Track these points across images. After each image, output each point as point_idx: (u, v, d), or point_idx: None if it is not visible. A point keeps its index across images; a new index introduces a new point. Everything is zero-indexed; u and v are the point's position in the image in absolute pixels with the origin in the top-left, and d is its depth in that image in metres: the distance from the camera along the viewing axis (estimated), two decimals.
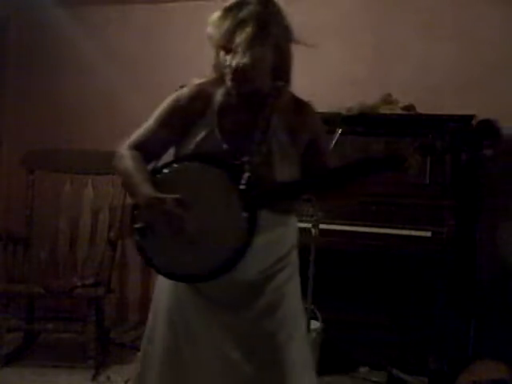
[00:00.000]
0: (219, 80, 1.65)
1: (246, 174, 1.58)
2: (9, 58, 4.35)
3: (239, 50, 1.55)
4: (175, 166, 1.63)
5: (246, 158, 1.60)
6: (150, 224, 1.60)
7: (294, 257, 1.76)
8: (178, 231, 1.55)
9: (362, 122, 3.22)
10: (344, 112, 3.17)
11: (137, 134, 1.70)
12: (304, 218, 3.11)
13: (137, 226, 1.60)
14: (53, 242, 3.63)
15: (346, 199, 1.86)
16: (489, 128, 1.58)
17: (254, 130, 1.63)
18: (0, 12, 4.21)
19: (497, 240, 3.37)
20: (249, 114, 1.66)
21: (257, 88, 1.63)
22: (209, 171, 1.60)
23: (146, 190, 1.57)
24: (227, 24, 1.55)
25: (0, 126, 4.31)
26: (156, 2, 3.98)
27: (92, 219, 3.62)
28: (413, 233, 3.01)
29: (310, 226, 2.55)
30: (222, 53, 1.59)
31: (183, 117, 1.66)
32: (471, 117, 3.15)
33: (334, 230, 3.08)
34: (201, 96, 1.67)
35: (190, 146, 1.64)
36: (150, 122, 1.70)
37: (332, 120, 1.68)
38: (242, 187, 1.57)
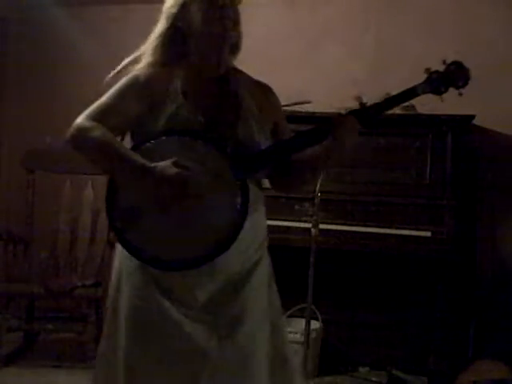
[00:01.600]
0: (171, 62, 1.61)
1: (230, 143, 1.53)
2: (9, 58, 4.35)
3: (226, 12, 1.55)
4: (153, 141, 1.51)
5: (227, 130, 1.55)
6: (135, 207, 1.48)
7: (266, 248, 1.69)
8: (194, 196, 1.44)
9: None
10: (343, 112, 3.17)
11: (95, 107, 1.56)
12: (304, 218, 3.14)
13: (119, 211, 1.49)
14: (53, 242, 3.63)
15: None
16: (459, 68, 1.55)
17: (225, 104, 1.59)
18: (0, 12, 4.21)
19: (497, 240, 3.37)
20: (215, 89, 1.62)
21: (224, 57, 1.61)
22: (192, 144, 1.51)
23: (140, 159, 1.46)
24: None
25: (0, 126, 4.31)
26: (156, 1, 3.98)
27: (92, 219, 3.62)
28: (413, 233, 3.01)
29: (309, 226, 2.55)
30: (198, 17, 1.55)
31: (143, 94, 1.56)
32: (471, 117, 3.15)
33: (334, 230, 3.08)
34: (159, 75, 1.59)
35: (160, 122, 1.54)
36: (107, 97, 1.58)
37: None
38: (229, 156, 1.50)
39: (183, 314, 1.52)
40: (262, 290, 1.63)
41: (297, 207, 3.21)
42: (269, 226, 3.14)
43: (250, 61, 4.24)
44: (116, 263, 1.63)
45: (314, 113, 3.30)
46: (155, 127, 1.54)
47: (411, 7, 3.62)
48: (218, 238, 1.48)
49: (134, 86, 1.58)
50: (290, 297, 3.21)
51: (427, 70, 1.57)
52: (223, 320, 1.55)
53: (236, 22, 1.60)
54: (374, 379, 3.15)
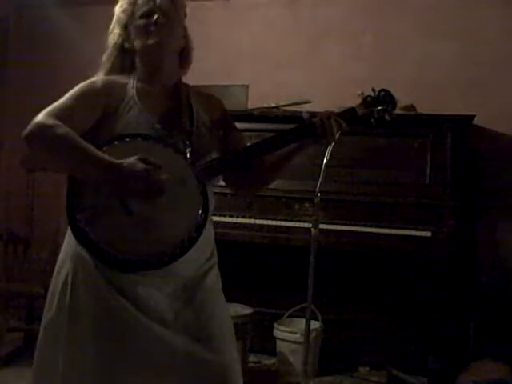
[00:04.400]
0: (127, 71, 1.66)
1: (188, 150, 1.57)
2: (9, 58, 4.35)
3: (152, 27, 1.60)
4: (116, 142, 1.52)
5: (183, 136, 1.59)
6: (98, 207, 1.47)
7: (216, 258, 1.72)
8: (159, 194, 1.46)
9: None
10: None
11: (54, 107, 1.56)
12: (304, 218, 3.14)
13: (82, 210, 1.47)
14: (53, 242, 3.63)
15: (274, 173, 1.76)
16: (388, 95, 1.70)
17: (179, 113, 1.63)
18: (0, 12, 4.21)
19: (497, 240, 3.37)
20: (167, 99, 1.66)
21: (167, 70, 1.66)
22: (154, 148, 1.53)
23: (106, 157, 1.45)
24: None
25: (0, 126, 4.31)
26: None
27: None
28: (413, 233, 3.00)
29: (309, 226, 2.55)
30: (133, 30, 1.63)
31: (100, 98, 1.58)
32: (471, 117, 3.15)
33: (334, 230, 3.08)
34: (115, 84, 1.63)
35: (116, 129, 1.55)
36: (65, 99, 1.58)
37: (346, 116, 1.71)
38: (190, 161, 1.55)
39: (150, 319, 1.52)
40: (217, 290, 1.68)
41: (297, 207, 3.21)
42: (269, 225, 3.19)
43: (250, 61, 4.26)
44: (67, 265, 1.57)
45: (314, 113, 3.29)
46: (110, 133, 1.55)
47: (411, 7, 3.62)
48: (181, 238, 1.51)
49: (91, 90, 1.60)
50: (290, 297, 3.24)
51: (361, 95, 1.72)
52: (187, 323, 1.56)
53: (174, 34, 1.63)
54: (373, 379, 3.15)
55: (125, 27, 1.66)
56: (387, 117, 1.69)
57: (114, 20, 1.70)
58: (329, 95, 3.50)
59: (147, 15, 1.61)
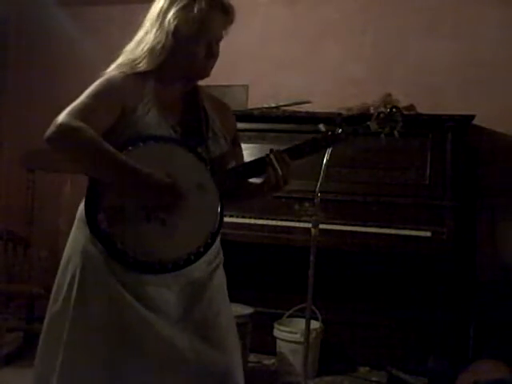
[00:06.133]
0: (144, 72, 1.61)
1: (208, 156, 1.59)
2: (9, 58, 4.35)
3: (213, 42, 1.63)
4: (141, 144, 1.51)
5: (200, 140, 1.61)
6: (120, 210, 1.47)
7: (222, 257, 1.73)
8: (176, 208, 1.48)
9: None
10: (344, 112, 3.17)
11: (76, 107, 1.50)
12: (304, 218, 3.14)
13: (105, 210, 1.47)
14: (53, 242, 3.63)
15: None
16: (399, 112, 1.78)
17: (196, 116, 1.65)
18: (0, 12, 4.21)
19: (497, 240, 3.37)
20: (184, 102, 1.67)
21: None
22: (177, 151, 1.55)
23: (134, 164, 1.44)
24: (200, 13, 1.58)
25: (0, 126, 4.31)
26: None
27: None
28: (413, 233, 3.00)
29: (309, 226, 2.55)
30: (190, 42, 1.59)
31: (119, 97, 1.55)
32: (471, 117, 3.15)
33: (334, 230, 3.08)
34: (133, 81, 1.59)
35: (140, 127, 1.53)
36: (85, 97, 1.53)
37: (333, 121, 1.73)
38: (210, 167, 1.57)
39: (158, 318, 1.53)
40: (223, 289, 1.71)
41: (297, 207, 3.21)
42: (269, 225, 3.19)
43: (250, 61, 4.26)
44: (75, 260, 1.57)
45: (314, 113, 3.30)
46: (131, 133, 1.53)
47: (411, 7, 3.62)
48: (198, 245, 1.54)
49: (110, 88, 1.56)
50: (290, 297, 3.23)
51: (375, 109, 1.80)
52: (194, 321, 1.58)
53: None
54: (373, 379, 3.15)
55: (175, 29, 1.60)
56: (396, 133, 1.78)
57: (183, 20, 1.59)
58: (329, 95, 3.51)
59: (217, 42, 1.66)
